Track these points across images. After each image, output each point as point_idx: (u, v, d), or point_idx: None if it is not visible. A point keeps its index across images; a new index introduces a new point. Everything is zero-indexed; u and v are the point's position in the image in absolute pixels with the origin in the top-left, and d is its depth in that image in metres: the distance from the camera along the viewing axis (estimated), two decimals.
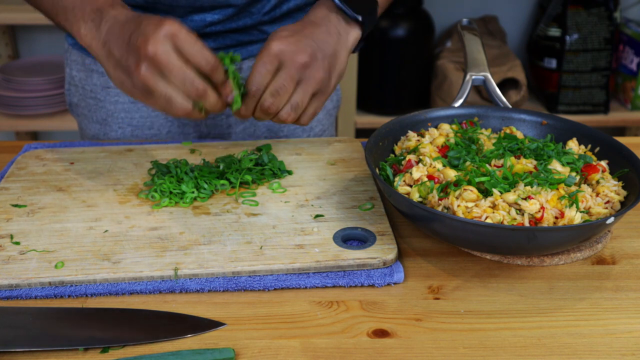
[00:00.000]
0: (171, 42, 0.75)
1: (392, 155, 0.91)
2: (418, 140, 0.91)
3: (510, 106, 1.00)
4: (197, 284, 0.75)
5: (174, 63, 0.75)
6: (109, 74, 0.80)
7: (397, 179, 0.84)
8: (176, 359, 0.64)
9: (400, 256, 0.81)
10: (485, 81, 1.01)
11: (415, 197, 0.80)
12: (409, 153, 0.89)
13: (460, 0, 2.64)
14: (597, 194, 0.80)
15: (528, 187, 0.77)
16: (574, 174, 0.82)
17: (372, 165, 0.82)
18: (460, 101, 0.99)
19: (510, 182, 0.79)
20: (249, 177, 0.93)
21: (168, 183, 0.90)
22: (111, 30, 0.79)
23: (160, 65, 0.74)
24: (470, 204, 0.76)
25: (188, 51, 0.75)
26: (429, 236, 0.85)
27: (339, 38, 0.90)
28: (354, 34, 0.92)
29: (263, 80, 0.81)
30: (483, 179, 0.79)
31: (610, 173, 0.86)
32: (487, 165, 0.82)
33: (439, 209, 0.77)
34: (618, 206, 0.80)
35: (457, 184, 0.79)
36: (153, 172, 0.96)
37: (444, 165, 0.84)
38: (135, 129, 1.15)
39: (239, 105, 0.81)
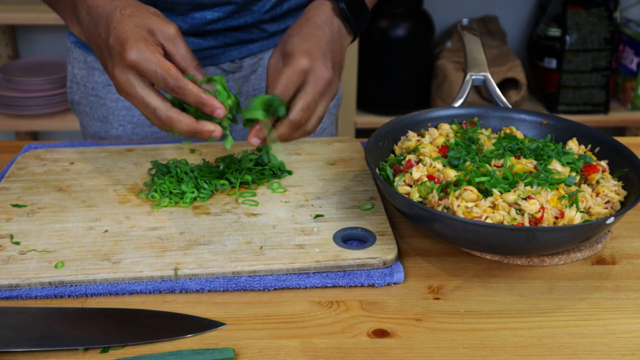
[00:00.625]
0: (134, 71, 0.76)
1: (392, 155, 0.91)
2: (418, 140, 0.91)
3: (510, 106, 1.00)
4: (197, 284, 0.75)
5: (136, 94, 0.77)
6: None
7: (397, 179, 0.84)
8: (176, 359, 0.64)
9: (400, 256, 0.81)
10: (485, 81, 1.01)
11: (415, 197, 0.80)
12: (409, 153, 0.89)
13: (460, 0, 2.64)
14: (597, 194, 0.80)
15: (528, 187, 0.77)
16: (574, 174, 0.82)
17: (372, 165, 0.82)
18: (460, 101, 0.99)
19: (510, 182, 0.79)
20: (249, 177, 0.93)
21: (168, 183, 0.90)
22: (88, 31, 0.81)
23: (126, 95, 0.77)
24: (470, 204, 0.76)
25: (151, 78, 0.76)
26: (429, 236, 0.85)
27: (341, 44, 0.90)
28: (348, 40, 0.93)
29: (289, 93, 0.81)
30: (483, 179, 0.79)
31: (610, 173, 0.86)
32: (487, 165, 0.82)
33: (439, 209, 0.77)
34: (618, 206, 0.80)
35: (457, 184, 0.79)
36: (153, 172, 0.96)
37: (444, 165, 0.84)
38: (135, 127, 1.15)
39: (227, 125, 0.80)
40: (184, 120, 0.77)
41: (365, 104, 2.49)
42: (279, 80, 0.80)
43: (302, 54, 0.81)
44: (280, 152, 0.93)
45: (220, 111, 0.78)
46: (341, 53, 0.89)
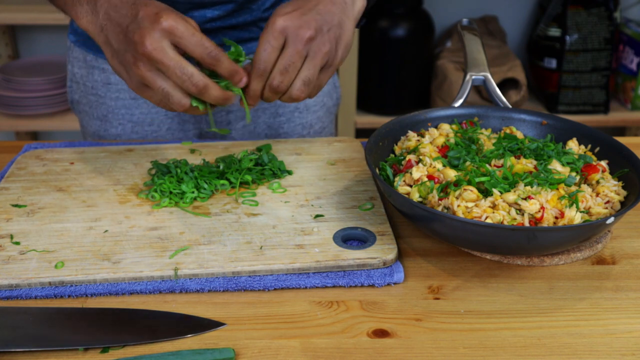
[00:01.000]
0: (168, 38, 0.74)
1: (392, 155, 0.91)
2: (418, 140, 0.91)
3: (510, 106, 1.00)
4: (197, 284, 0.75)
5: (171, 60, 0.74)
6: (107, 59, 0.80)
7: (397, 179, 0.84)
8: (176, 359, 0.64)
9: (400, 256, 0.81)
10: (485, 81, 1.01)
11: (415, 197, 0.80)
12: (409, 153, 0.89)
13: (460, 0, 2.64)
14: (597, 194, 0.80)
15: (528, 187, 0.77)
16: (574, 174, 0.82)
17: (372, 165, 0.82)
18: (460, 101, 0.99)
19: (510, 182, 0.79)
20: (249, 177, 0.93)
21: (168, 183, 0.90)
22: (107, 16, 0.78)
23: (157, 63, 0.74)
24: (470, 204, 0.76)
25: (186, 45, 0.75)
26: (429, 236, 0.85)
27: (344, 7, 0.86)
28: (359, 3, 0.89)
29: (269, 57, 0.79)
30: (483, 179, 0.79)
31: (610, 173, 0.86)
32: (487, 165, 0.82)
33: (439, 209, 0.77)
34: (618, 206, 0.80)
35: (457, 184, 0.79)
36: (153, 172, 0.96)
37: (444, 165, 0.84)
38: (135, 125, 1.15)
39: (241, 94, 0.80)
40: (216, 87, 0.77)
41: (365, 104, 2.49)
42: (258, 46, 0.79)
43: (280, 15, 0.80)
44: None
45: (245, 80, 0.78)
46: (340, 16, 0.85)
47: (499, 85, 1.06)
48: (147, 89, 0.77)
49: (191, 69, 0.75)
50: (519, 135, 0.93)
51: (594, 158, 0.87)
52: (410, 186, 0.82)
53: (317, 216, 0.86)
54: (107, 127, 1.16)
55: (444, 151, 0.87)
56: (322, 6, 0.83)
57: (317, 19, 0.81)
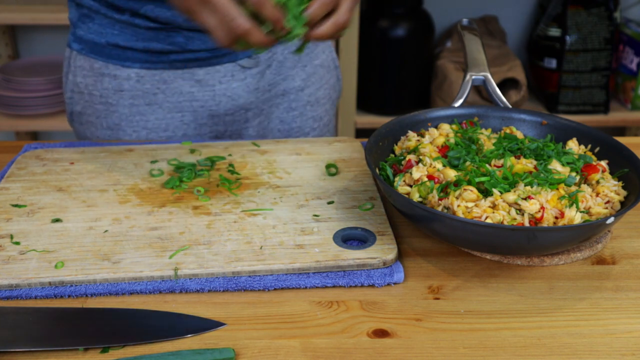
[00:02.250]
0: None
1: (392, 156, 0.91)
2: (418, 140, 0.91)
3: (510, 106, 1.00)
4: (197, 284, 0.75)
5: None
6: None
7: (397, 179, 0.84)
8: (176, 359, 0.64)
9: (400, 256, 0.81)
10: (485, 81, 1.01)
11: (415, 197, 0.80)
12: (409, 153, 0.89)
13: (460, 0, 2.64)
14: (597, 194, 0.80)
15: (528, 187, 0.77)
16: (574, 174, 0.82)
17: (372, 165, 0.82)
18: (460, 101, 0.99)
19: (510, 182, 0.79)
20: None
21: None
22: None
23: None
24: (470, 204, 0.76)
25: None
26: (429, 236, 0.85)
27: None
28: None
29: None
30: (483, 178, 0.79)
31: (610, 173, 0.86)
32: (487, 165, 0.82)
33: (439, 209, 0.77)
34: (618, 206, 0.80)
35: (457, 184, 0.79)
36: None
37: (444, 165, 0.84)
38: (150, 132, 1.13)
39: (299, 33, 0.79)
40: (256, 32, 0.77)
41: (365, 104, 2.49)
42: None
43: None
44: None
45: (284, 31, 0.79)
46: None
47: (499, 85, 1.06)
48: (203, 12, 0.78)
49: (236, 11, 0.76)
50: (519, 135, 0.93)
51: (594, 158, 0.87)
52: (410, 186, 0.83)
53: (317, 216, 0.86)
54: (120, 135, 1.14)
55: (444, 151, 0.87)
56: None
57: None
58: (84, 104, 1.16)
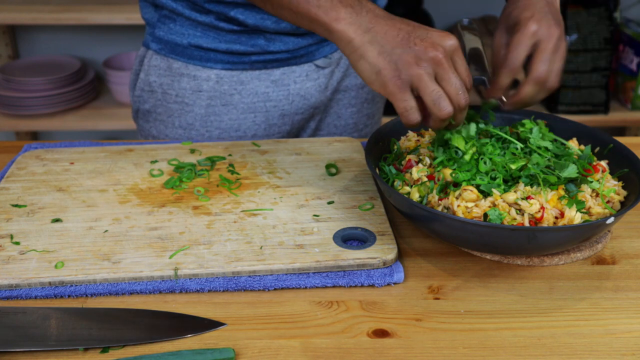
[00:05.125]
0: (452, 54, 0.78)
1: (393, 153, 0.91)
2: (418, 140, 0.91)
3: None
4: (197, 284, 0.75)
5: (452, 70, 0.77)
6: (364, 57, 0.79)
7: (397, 179, 0.84)
8: (176, 359, 0.64)
9: (400, 256, 0.81)
10: (485, 81, 1.01)
11: (415, 197, 0.80)
12: (409, 153, 0.89)
13: (460, 0, 2.64)
14: (597, 194, 0.80)
15: (528, 187, 0.77)
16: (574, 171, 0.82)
17: (372, 165, 0.82)
18: None
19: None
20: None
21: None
22: (375, 20, 0.82)
23: (440, 68, 0.77)
24: (470, 204, 0.76)
25: (460, 68, 0.79)
26: (429, 236, 0.85)
27: (555, 3, 0.93)
28: None
29: (521, 55, 0.86)
30: (480, 181, 0.78)
31: (610, 173, 0.86)
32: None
33: (439, 209, 0.77)
34: (618, 206, 0.80)
35: (456, 184, 0.79)
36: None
37: (444, 166, 0.84)
38: (222, 132, 1.15)
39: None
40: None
41: None
42: (511, 47, 0.85)
43: (527, 19, 0.86)
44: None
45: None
46: (558, 11, 0.92)
47: None
48: (406, 92, 0.78)
49: (461, 85, 0.78)
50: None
51: (594, 158, 0.87)
52: (410, 186, 0.82)
53: (317, 216, 0.86)
54: (192, 135, 1.15)
55: None
56: (546, 6, 0.90)
57: (552, 17, 0.88)
58: (154, 102, 1.16)
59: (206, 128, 1.15)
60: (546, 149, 0.84)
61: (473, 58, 1.04)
